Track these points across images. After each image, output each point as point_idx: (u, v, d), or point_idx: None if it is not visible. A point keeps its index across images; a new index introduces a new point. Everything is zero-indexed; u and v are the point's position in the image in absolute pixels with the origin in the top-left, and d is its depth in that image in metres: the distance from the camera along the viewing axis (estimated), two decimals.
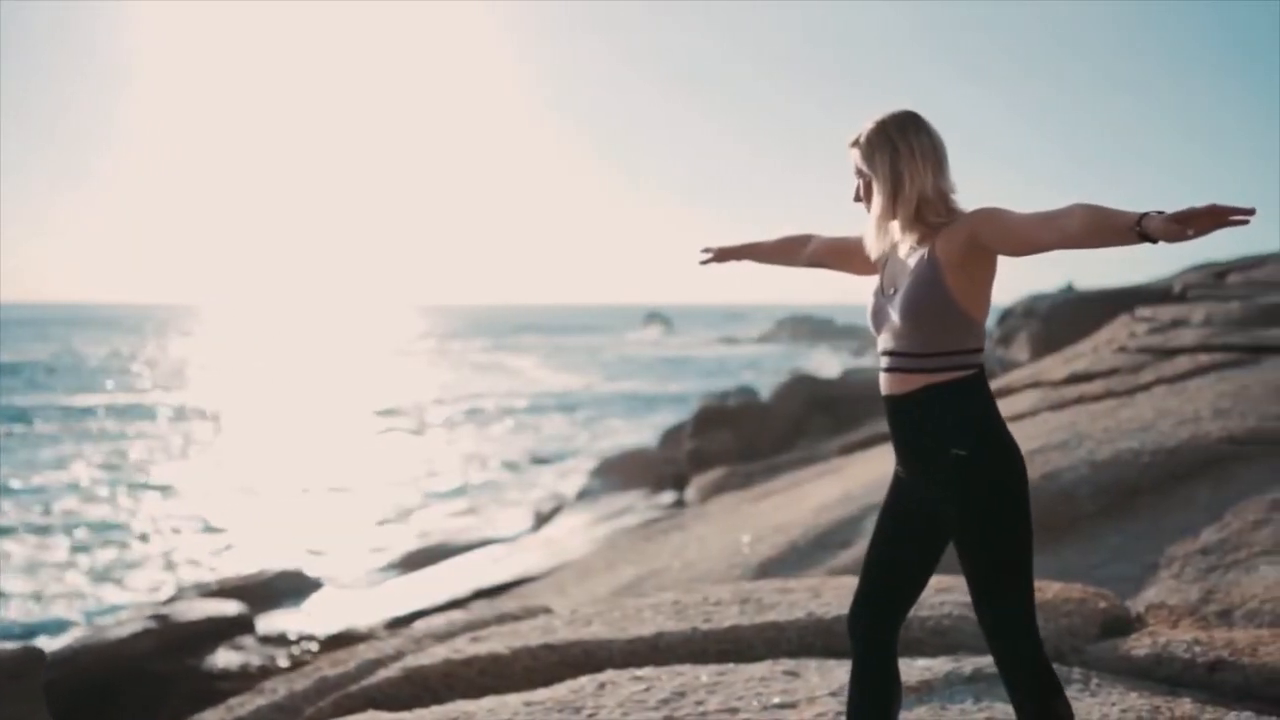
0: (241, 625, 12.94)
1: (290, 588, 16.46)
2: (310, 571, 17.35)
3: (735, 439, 24.57)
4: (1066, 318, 17.79)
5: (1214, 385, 9.29)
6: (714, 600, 4.94)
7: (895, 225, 2.68)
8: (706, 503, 15.96)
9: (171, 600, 15.46)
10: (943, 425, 2.58)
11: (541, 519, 21.83)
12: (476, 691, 4.49)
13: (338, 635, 12.92)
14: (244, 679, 11.77)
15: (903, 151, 2.61)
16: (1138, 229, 2.19)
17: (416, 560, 18.61)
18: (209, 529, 22.63)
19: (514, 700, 4.07)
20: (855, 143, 2.72)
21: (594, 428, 41.18)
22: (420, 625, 13.15)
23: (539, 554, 17.07)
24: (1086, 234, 2.31)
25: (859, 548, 7.79)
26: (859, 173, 2.73)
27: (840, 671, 4.17)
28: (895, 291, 2.67)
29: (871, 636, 2.73)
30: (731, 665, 4.29)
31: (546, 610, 5.82)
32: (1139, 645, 4.40)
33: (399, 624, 13.55)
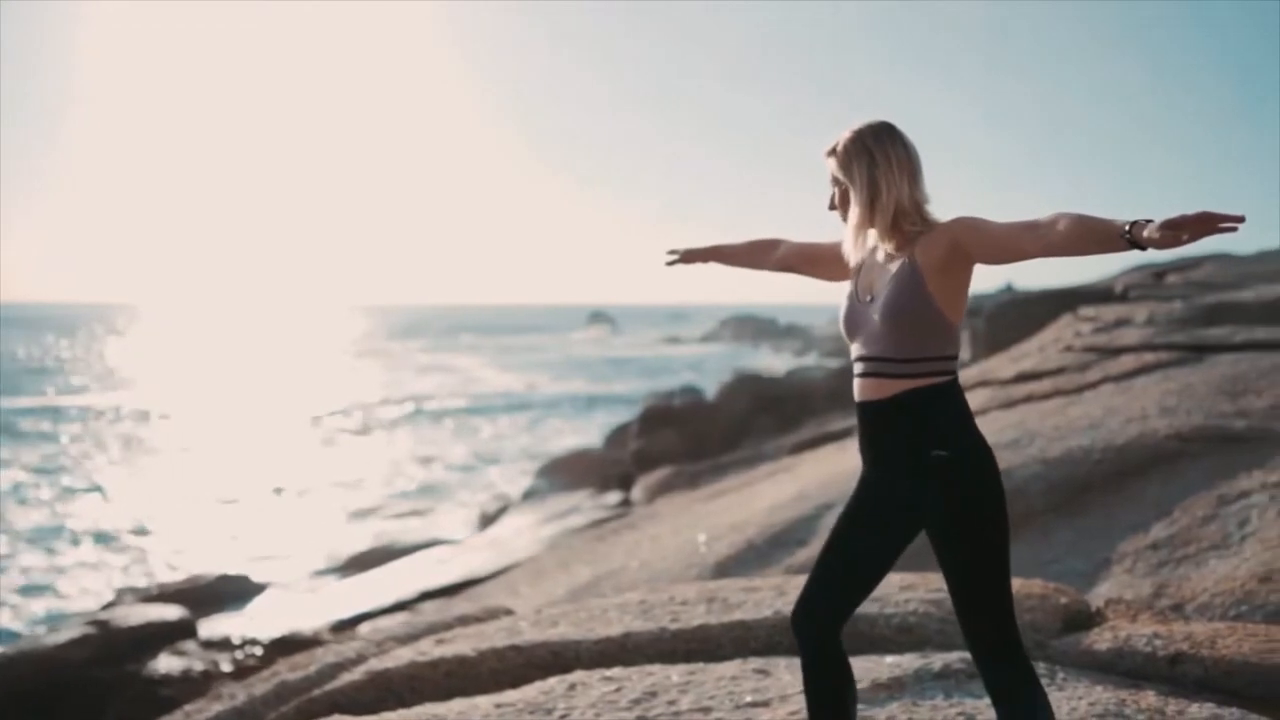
0: (183, 630, 12.75)
1: (233, 591, 16.25)
2: (253, 575, 17.13)
3: (681, 438, 24.66)
4: (1009, 318, 18.05)
5: (1159, 383, 9.47)
6: (680, 600, 4.94)
7: (872, 233, 2.72)
8: (657, 502, 15.99)
9: (110, 606, 15.18)
10: (923, 428, 2.61)
11: (487, 520, 21.75)
12: (442, 694, 4.44)
13: (282, 639, 12.77)
14: (187, 685, 11.58)
15: (879, 161, 2.66)
16: (1127, 236, 2.21)
17: (361, 562, 18.44)
18: (148, 533, 22.24)
19: (484, 702, 4.03)
20: (831, 152, 2.76)
21: (539, 428, 41.07)
22: (366, 627, 13.08)
23: (485, 555, 17.01)
24: (1073, 242, 2.35)
25: (816, 546, 7.84)
26: (835, 181, 2.77)
27: None
28: (872, 298, 2.70)
29: (819, 634, 2.74)
30: (701, 665, 4.28)
31: (508, 612, 5.78)
32: (1101, 639, 4.46)
33: (345, 626, 13.43)
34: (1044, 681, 4.05)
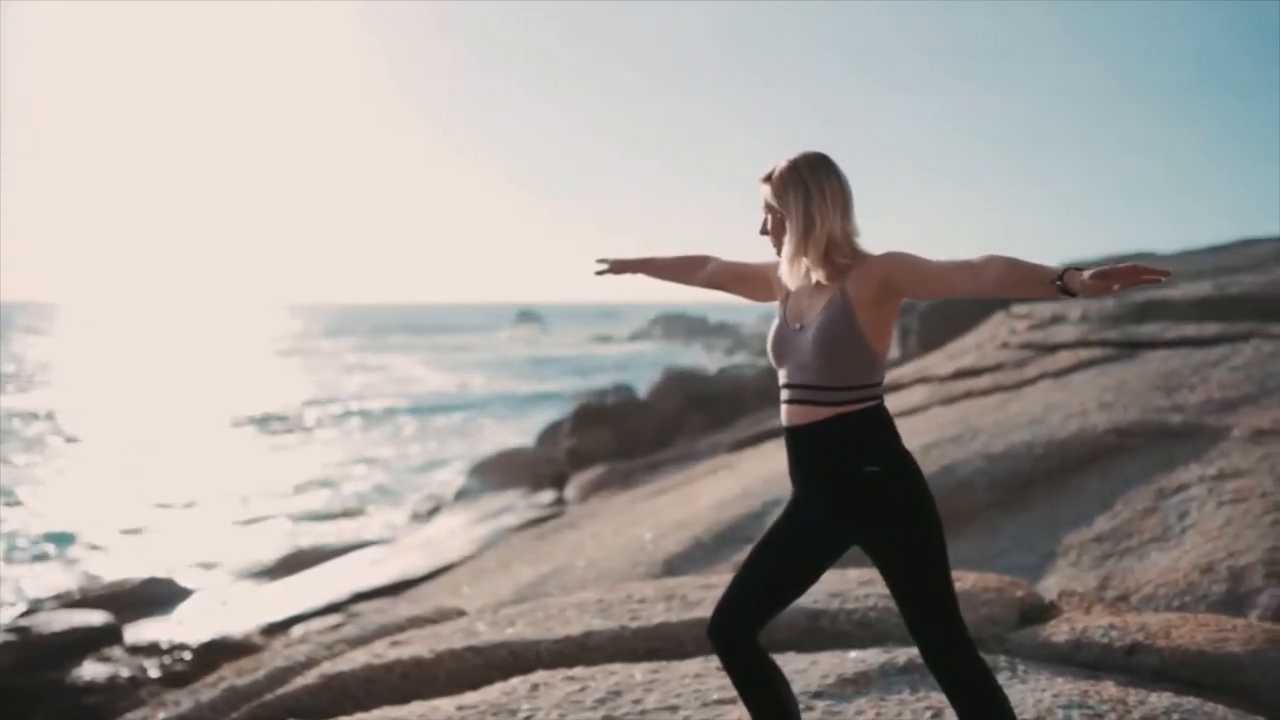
0: (109, 636, 12.43)
1: (159, 596, 15.87)
2: (180, 579, 16.76)
3: (614, 437, 24.62)
4: (943, 316, 18.28)
5: (1096, 379, 9.64)
6: (638, 598, 4.90)
7: (805, 262, 2.77)
8: (592, 500, 15.95)
9: (31, 612, 14.74)
10: (853, 448, 2.70)
11: (419, 520, 21.54)
12: (399, 697, 4.36)
13: (212, 643, 12.52)
14: (114, 692, 11.30)
15: (814, 193, 2.72)
16: (1059, 284, 2.33)
17: (292, 564, 18.14)
18: (70, 538, 21.63)
19: (445, 704, 3.96)
20: (767, 178, 2.81)
21: (470, 427, 40.75)
22: (300, 630, 12.87)
23: (418, 555, 16.84)
24: (1003, 285, 2.47)
25: None
26: (768, 208, 2.82)
27: None
28: (801, 327, 2.77)
29: (738, 643, 2.80)
30: (664, 663, 4.25)
31: (460, 612, 5.70)
32: (1058, 631, 4.51)
33: (276, 630, 13.21)
34: (1005, 674, 4.10)
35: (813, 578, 2.84)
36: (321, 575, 16.46)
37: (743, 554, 7.80)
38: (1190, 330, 10.79)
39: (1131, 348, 10.69)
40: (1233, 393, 8.56)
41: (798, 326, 2.78)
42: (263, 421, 41.75)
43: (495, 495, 22.08)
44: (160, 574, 16.73)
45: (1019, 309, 14.82)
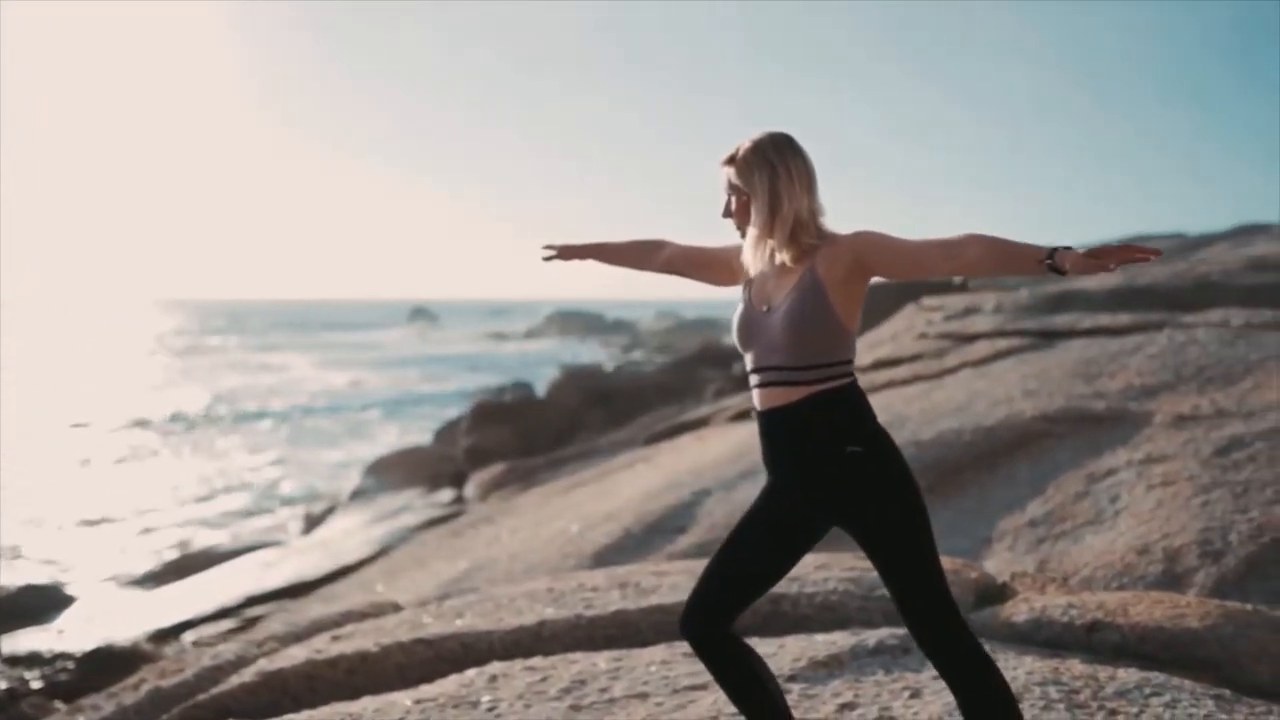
0: None
1: (39, 603, 15.24)
2: (61, 586, 16.13)
3: (513, 435, 24.44)
4: None
5: (1016, 368, 9.82)
6: (590, 586, 4.80)
7: (771, 244, 2.75)
8: (502, 499, 15.76)
9: None
10: (832, 428, 2.65)
11: (313, 521, 21.11)
12: (344, 693, 4.19)
13: (96, 652, 12.03)
14: None
15: (780, 173, 2.70)
16: (1049, 262, 2.35)
17: (179, 569, 17.60)
18: None
19: (400, 699, 3.80)
20: (730, 160, 2.79)
21: (364, 426, 40.06)
22: (189, 636, 12.45)
23: (314, 556, 16.45)
24: (988, 264, 2.47)
25: (695, 534, 7.82)
26: (731, 189, 2.80)
27: None
28: (769, 309, 2.73)
29: (712, 636, 2.75)
30: (625, 651, 4.15)
31: (396, 607, 5.51)
32: (1018, 611, 4.54)
33: (166, 636, 12.78)
34: None
35: (790, 564, 2.78)
36: (212, 579, 15.97)
37: (674, 545, 7.76)
38: (1105, 320, 11.07)
39: (1048, 337, 10.93)
40: (1151, 380, 8.78)
41: (765, 309, 2.74)
42: (146, 424, 40.42)
43: (392, 495, 21.73)
44: (40, 581, 16.07)
45: (930, 301, 15.06)
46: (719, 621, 2.73)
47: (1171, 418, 7.90)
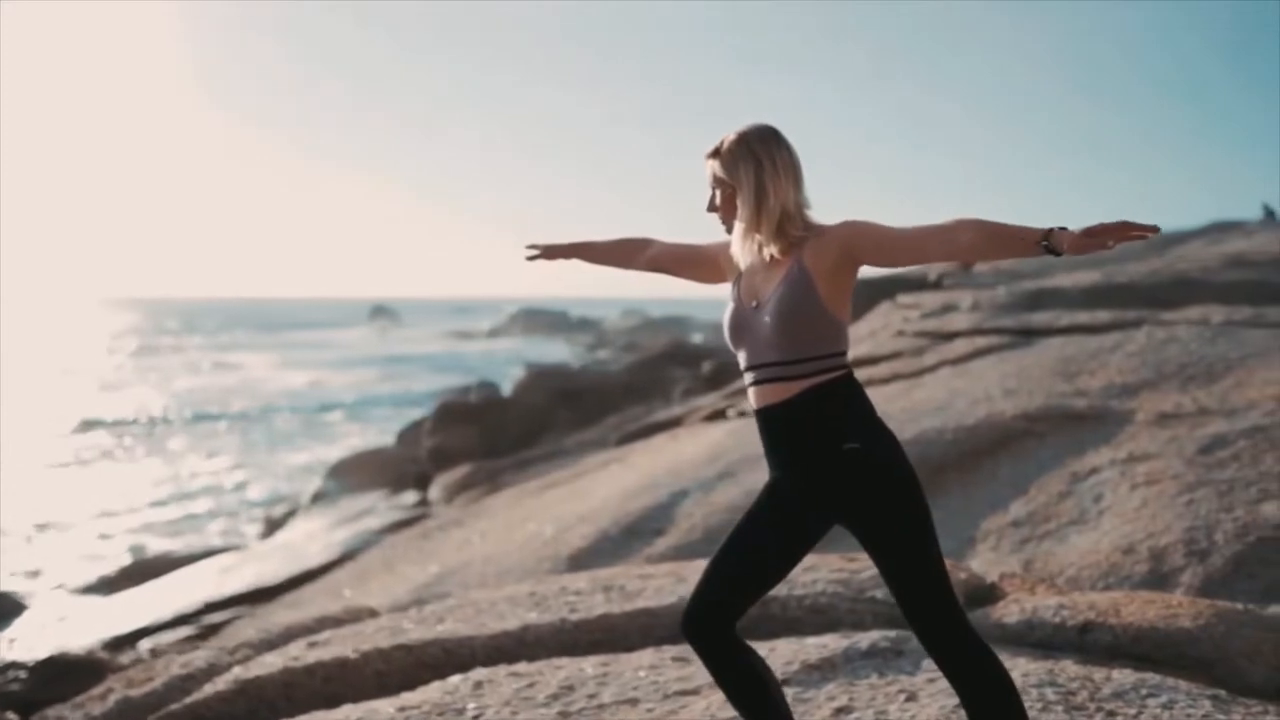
0: None
1: None
2: (14, 594, 15.94)
3: (478, 435, 24.36)
4: None
5: (995, 366, 9.88)
6: (573, 589, 4.77)
7: (758, 238, 2.75)
8: (468, 500, 15.69)
9: None
10: (830, 424, 2.64)
11: (273, 525, 20.95)
12: (322, 702, 4.14)
13: (50, 660, 11.87)
14: None
15: (765, 164, 2.71)
16: (1045, 244, 2.36)
17: (136, 575, 17.43)
18: None
19: (383, 706, 3.77)
20: (715, 153, 2.79)
21: (325, 428, 39.80)
22: (146, 643, 12.31)
23: (275, 561, 16.32)
24: (981, 248, 2.48)
25: (674, 536, 7.80)
26: (717, 182, 2.80)
27: None
28: (759, 305, 2.73)
29: (715, 637, 2.74)
30: (612, 655, 4.13)
31: (373, 612, 5.46)
32: (1009, 612, 4.55)
33: (122, 643, 12.64)
34: None
35: (793, 563, 2.77)
36: (168, 585, 15.81)
37: (652, 547, 7.75)
38: (1083, 318, 11.16)
39: (1027, 335, 11.01)
40: (1132, 378, 8.85)
41: (754, 305, 2.74)
42: (100, 426, 39.94)
43: (355, 498, 21.61)
44: None
45: (905, 299, 15.13)
46: (722, 621, 2.71)
47: (1154, 416, 7.97)
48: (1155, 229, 2.31)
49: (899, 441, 2.71)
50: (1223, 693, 3.83)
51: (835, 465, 2.63)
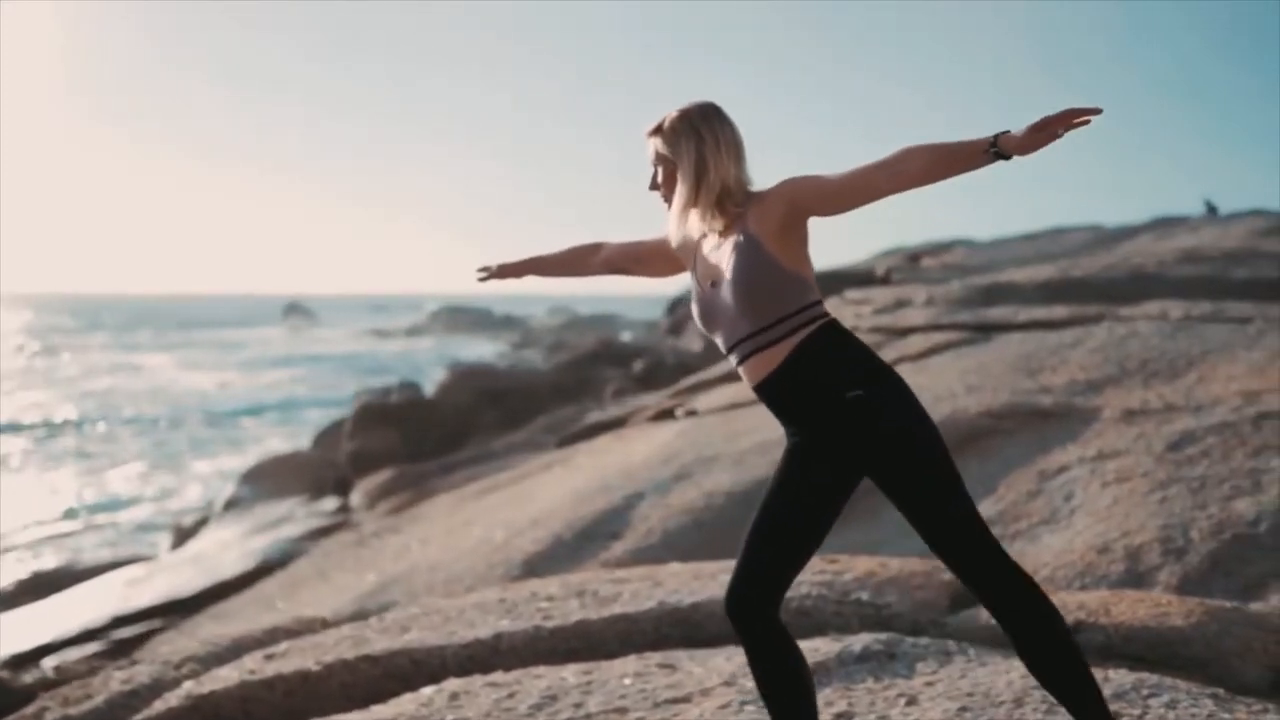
0: None
1: None
2: None
3: (400, 438, 24.10)
4: None
5: (954, 362, 9.98)
6: (545, 595, 4.72)
7: (695, 214, 2.80)
8: (391, 505, 15.52)
9: None
10: (827, 375, 2.66)
11: (184, 534, 20.55)
12: (283, 717, 4.05)
13: None
14: None
15: (708, 140, 2.77)
16: (994, 149, 2.43)
17: (34, 589, 16.97)
18: None
19: None
20: (657, 130, 2.86)
21: (239, 432, 39.13)
22: (50, 661, 11.99)
23: (188, 572, 16.01)
24: (932, 170, 2.53)
25: (631, 539, 7.77)
26: (658, 159, 2.86)
27: (718, 660, 4.08)
28: (715, 283, 2.78)
29: (761, 615, 2.75)
30: (594, 663, 4.08)
31: (325, 622, 5.35)
32: None
33: (23, 662, 12.30)
34: (961, 659, 4.14)
35: (828, 522, 2.80)
36: (72, 599, 15.43)
37: (609, 551, 7.71)
38: (1041, 313, 11.32)
39: (984, 330, 11.14)
40: (1095, 374, 8.99)
41: (711, 284, 2.79)
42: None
43: (271, 504, 21.27)
44: None
45: (853, 294, 15.25)
46: (767, 597, 2.73)
47: (1120, 412, 8.10)
48: (1098, 110, 2.36)
49: (904, 381, 2.72)
50: (1222, 691, 3.89)
51: (843, 417, 2.64)
